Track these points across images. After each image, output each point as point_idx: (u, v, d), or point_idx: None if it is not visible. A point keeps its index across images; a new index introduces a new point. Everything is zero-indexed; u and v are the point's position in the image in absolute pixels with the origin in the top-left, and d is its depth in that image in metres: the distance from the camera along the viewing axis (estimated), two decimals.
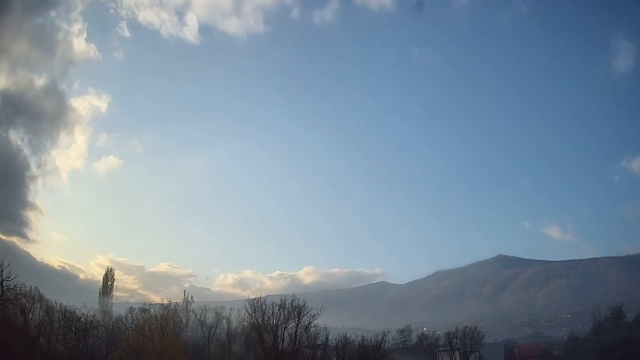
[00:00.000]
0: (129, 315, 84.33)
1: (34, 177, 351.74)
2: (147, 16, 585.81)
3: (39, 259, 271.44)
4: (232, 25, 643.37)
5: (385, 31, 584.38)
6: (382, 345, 70.46)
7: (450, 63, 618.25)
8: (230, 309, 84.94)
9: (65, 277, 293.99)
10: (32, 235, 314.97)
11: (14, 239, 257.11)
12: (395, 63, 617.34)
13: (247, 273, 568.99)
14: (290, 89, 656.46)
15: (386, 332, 78.59)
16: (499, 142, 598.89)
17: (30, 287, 69.64)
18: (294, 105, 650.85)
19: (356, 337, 76.16)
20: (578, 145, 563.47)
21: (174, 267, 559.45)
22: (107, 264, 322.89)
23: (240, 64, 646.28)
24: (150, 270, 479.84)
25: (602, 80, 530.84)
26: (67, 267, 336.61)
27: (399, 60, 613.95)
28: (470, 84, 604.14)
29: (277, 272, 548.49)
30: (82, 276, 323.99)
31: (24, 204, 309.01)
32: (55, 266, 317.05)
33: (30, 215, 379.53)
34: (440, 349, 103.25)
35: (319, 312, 58.50)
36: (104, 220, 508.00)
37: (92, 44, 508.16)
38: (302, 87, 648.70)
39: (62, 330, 64.05)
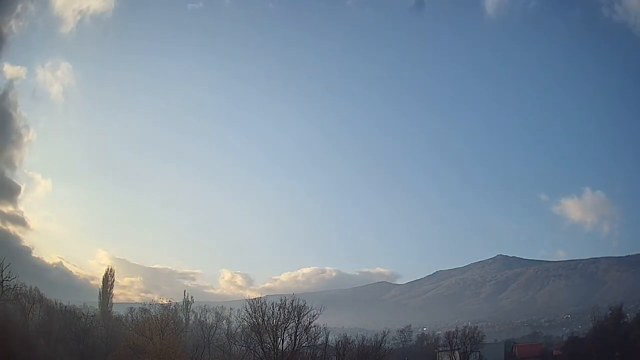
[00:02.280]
0: (129, 315, 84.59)
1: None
2: None
3: (36, 256, 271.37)
4: None
5: (391, 26, 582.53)
6: (382, 345, 70.55)
7: (450, 61, 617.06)
8: (231, 309, 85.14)
9: (64, 276, 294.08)
10: (27, 219, 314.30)
11: (11, 228, 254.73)
12: (400, 60, 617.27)
13: (250, 273, 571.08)
14: (296, 87, 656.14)
15: (386, 332, 78.73)
16: (499, 140, 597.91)
17: (30, 287, 69.85)
18: (299, 103, 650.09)
19: (356, 337, 76.32)
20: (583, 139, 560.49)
21: (176, 265, 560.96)
22: (108, 261, 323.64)
23: (241, 62, 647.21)
24: (152, 268, 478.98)
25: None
26: (66, 266, 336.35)
27: (403, 57, 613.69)
28: (470, 83, 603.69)
29: (279, 271, 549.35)
30: (81, 275, 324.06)
31: (16, 175, 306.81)
32: (54, 264, 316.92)
33: (25, 197, 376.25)
34: (440, 349, 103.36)
35: (319, 312, 58.44)
36: (105, 214, 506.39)
37: None
38: (308, 84, 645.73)
39: (62, 330, 64.10)
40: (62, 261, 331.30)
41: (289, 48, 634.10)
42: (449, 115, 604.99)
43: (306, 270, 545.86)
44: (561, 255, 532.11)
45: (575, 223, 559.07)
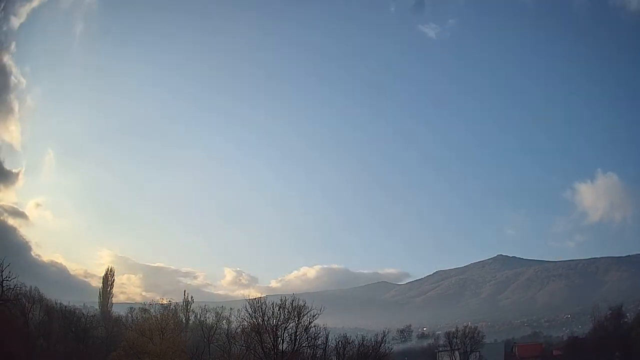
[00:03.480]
0: (129, 315, 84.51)
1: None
2: None
3: (36, 254, 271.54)
4: None
5: (393, 23, 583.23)
6: (382, 345, 70.41)
7: (455, 59, 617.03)
8: (231, 309, 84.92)
9: (64, 274, 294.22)
10: (27, 213, 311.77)
11: (10, 221, 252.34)
12: (402, 57, 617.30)
13: (254, 272, 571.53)
14: (299, 85, 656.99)
15: (386, 332, 78.57)
16: (499, 141, 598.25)
17: (30, 287, 69.84)
18: (304, 102, 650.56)
19: (356, 337, 76.06)
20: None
21: (179, 264, 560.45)
22: (109, 259, 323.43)
23: (240, 64, 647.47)
24: (154, 267, 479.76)
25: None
26: (67, 265, 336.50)
27: (405, 53, 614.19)
28: (471, 80, 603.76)
29: (284, 271, 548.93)
30: (81, 274, 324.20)
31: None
32: (54, 263, 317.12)
33: (26, 185, 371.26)
34: (440, 349, 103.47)
35: (319, 312, 58.32)
36: (107, 213, 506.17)
37: None
38: (312, 83, 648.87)
39: (62, 331, 64.05)
40: (63, 260, 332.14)
41: (298, 46, 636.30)
42: (449, 114, 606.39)
43: (311, 269, 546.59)
44: (570, 246, 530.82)
45: (586, 209, 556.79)
